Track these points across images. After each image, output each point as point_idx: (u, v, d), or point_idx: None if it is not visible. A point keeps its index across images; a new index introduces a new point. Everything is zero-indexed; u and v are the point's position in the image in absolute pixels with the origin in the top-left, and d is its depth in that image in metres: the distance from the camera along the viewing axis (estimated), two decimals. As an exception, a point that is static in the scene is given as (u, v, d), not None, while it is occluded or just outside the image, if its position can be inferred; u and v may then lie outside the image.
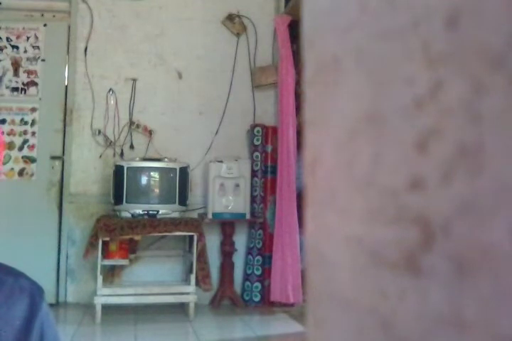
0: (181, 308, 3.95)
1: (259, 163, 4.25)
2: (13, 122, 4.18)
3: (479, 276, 0.22)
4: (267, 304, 4.10)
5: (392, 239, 0.27)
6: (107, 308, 3.67)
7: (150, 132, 4.30)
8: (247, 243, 4.29)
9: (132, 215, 3.82)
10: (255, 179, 4.23)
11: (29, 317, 0.89)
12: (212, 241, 4.16)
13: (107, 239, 3.67)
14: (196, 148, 4.35)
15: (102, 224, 3.67)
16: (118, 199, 3.85)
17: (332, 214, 0.34)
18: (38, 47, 4.25)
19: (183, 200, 3.94)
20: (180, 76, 4.39)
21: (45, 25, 4.27)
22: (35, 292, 0.92)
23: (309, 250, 0.36)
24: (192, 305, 3.73)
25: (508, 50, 0.21)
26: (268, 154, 4.25)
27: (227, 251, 4.17)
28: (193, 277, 3.79)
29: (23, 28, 4.26)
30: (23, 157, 4.16)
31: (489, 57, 0.22)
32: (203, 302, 4.03)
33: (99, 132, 4.26)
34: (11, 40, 4.25)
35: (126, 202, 3.84)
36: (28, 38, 4.25)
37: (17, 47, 4.24)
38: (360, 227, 0.30)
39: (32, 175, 4.16)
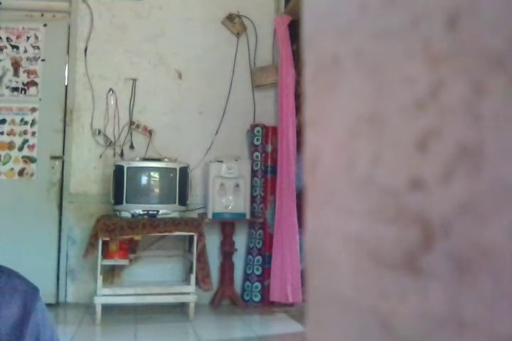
0: (181, 308, 3.95)
1: (259, 163, 4.25)
2: (13, 122, 4.17)
3: (479, 276, 0.22)
4: (266, 304, 4.10)
5: (392, 239, 0.27)
6: (107, 308, 3.67)
7: (150, 132, 4.30)
8: (247, 243, 4.29)
9: (132, 215, 3.82)
10: (255, 179, 4.23)
11: (22, 317, 0.86)
12: (212, 241, 4.16)
13: (107, 238, 3.67)
14: (196, 148, 4.35)
15: (102, 224, 3.67)
16: (118, 199, 3.85)
17: (332, 213, 0.34)
18: (38, 47, 4.25)
19: (183, 200, 3.94)
20: (180, 76, 4.39)
21: (45, 25, 4.27)
22: (29, 292, 0.89)
23: (309, 250, 0.36)
24: (192, 305, 3.73)
25: (508, 50, 0.21)
26: (268, 154, 4.25)
27: (227, 251, 4.17)
28: (193, 277, 3.78)
29: (23, 28, 4.26)
30: (23, 157, 4.16)
31: (489, 57, 0.22)
32: (203, 302, 4.03)
33: (99, 132, 4.26)
34: (11, 40, 4.25)
35: (126, 202, 3.84)
36: (28, 38, 4.25)
37: (17, 47, 4.24)
38: (360, 227, 0.30)
39: (32, 175, 4.16)
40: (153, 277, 4.14)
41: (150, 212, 3.83)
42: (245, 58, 4.47)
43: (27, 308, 0.87)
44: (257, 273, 4.18)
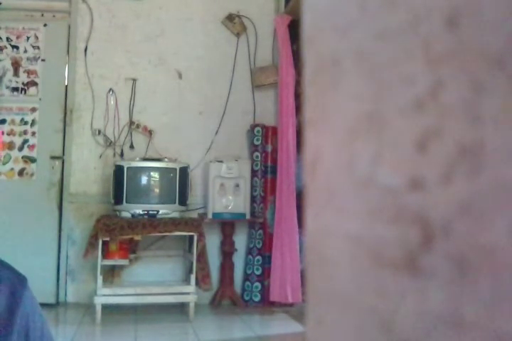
0: (181, 308, 3.95)
1: (259, 163, 4.25)
2: (13, 122, 4.17)
3: (479, 276, 0.22)
4: (267, 304, 4.10)
5: (392, 239, 0.27)
6: (107, 308, 3.67)
7: (150, 132, 4.30)
8: (247, 243, 4.29)
9: (132, 215, 3.82)
10: (255, 179, 4.23)
11: (10, 308, 0.85)
12: (212, 241, 4.16)
13: (107, 239, 3.67)
14: (196, 148, 4.35)
15: (102, 224, 3.67)
16: (118, 199, 3.85)
17: (332, 213, 0.34)
18: (38, 47, 4.25)
19: (183, 200, 3.94)
20: (180, 76, 4.39)
21: (45, 25, 4.27)
22: (16, 282, 0.87)
23: (309, 250, 0.36)
24: (192, 305, 3.73)
25: (507, 50, 0.21)
26: (268, 154, 4.25)
27: (227, 251, 4.17)
28: (193, 277, 3.78)
29: (23, 28, 4.26)
30: (23, 157, 4.16)
31: (489, 57, 0.22)
32: (203, 302, 4.03)
33: (99, 132, 4.26)
34: (11, 40, 4.24)
35: (126, 202, 3.84)
36: (28, 38, 4.25)
37: (17, 47, 4.24)
38: (360, 227, 0.30)
39: (32, 175, 4.16)
40: (153, 277, 4.14)
41: (150, 212, 3.83)
42: (245, 58, 4.47)
43: (14, 298, 0.86)
44: (257, 273, 4.18)
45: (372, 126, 0.29)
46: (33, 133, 4.18)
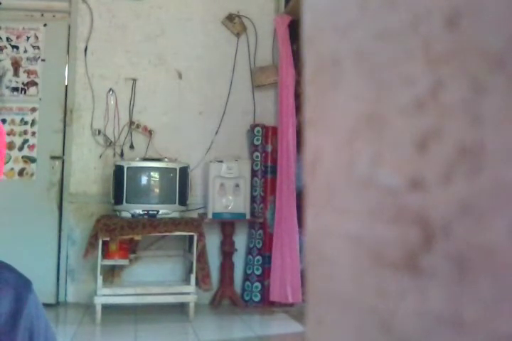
0: (181, 308, 3.95)
1: (259, 163, 4.25)
2: (13, 122, 4.17)
3: (479, 276, 0.22)
4: (267, 304, 4.10)
5: (393, 239, 0.27)
6: (107, 308, 3.67)
7: (150, 132, 4.30)
8: (247, 243, 4.29)
9: (132, 215, 3.82)
10: (255, 179, 4.23)
11: (15, 311, 0.85)
12: (212, 241, 4.16)
13: (107, 239, 3.67)
14: (196, 148, 4.35)
15: (102, 224, 3.67)
16: (118, 199, 3.85)
17: (332, 213, 0.34)
18: (38, 47, 4.25)
19: (183, 200, 3.94)
20: (180, 76, 4.39)
21: (45, 25, 4.27)
22: (21, 284, 0.88)
23: (309, 250, 0.36)
24: (192, 305, 3.73)
25: (508, 50, 0.21)
26: (268, 154, 4.25)
27: (227, 251, 4.17)
28: (193, 277, 3.78)
29: (23, 28, 4.26)
30: (23, 157, 4.16)
31: (489, 57, 0.22)
32: (203, 302, 4.03)
33: (99, 132, 4.26)
34: (11, 40, 4.24)
35: (126, 202, 3.84)
36: (28, 38, 4.25)
37: (17, 47, 4.24)
38: (360, 227, 0.30)
39: (32, 175, 4.16)
40: (153, 277, 4.14)
41: (150, 212, 3.83)
42: (245, 58, 4.47)
43: (19, 301, 0.86)
44: (257, 273, 4.18)
45: (373, 126, 0.29)
46: (33, 133, 4.18)
